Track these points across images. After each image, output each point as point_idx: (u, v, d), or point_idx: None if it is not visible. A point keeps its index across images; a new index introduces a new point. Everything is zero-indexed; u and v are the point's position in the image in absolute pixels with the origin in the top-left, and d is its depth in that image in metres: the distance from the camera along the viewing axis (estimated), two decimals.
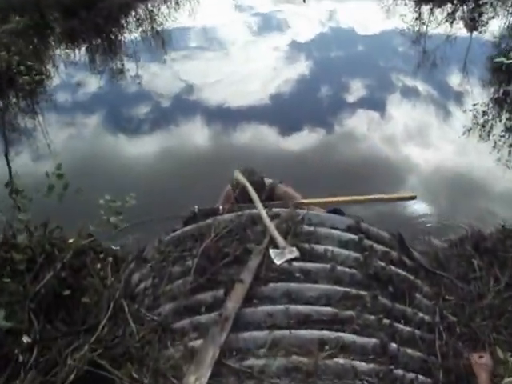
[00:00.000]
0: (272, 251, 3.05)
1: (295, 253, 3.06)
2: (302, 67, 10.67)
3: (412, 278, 3.25)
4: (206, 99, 9.35)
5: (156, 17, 13.91)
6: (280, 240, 3.09)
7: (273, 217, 3.32)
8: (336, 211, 3.56)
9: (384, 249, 3.30)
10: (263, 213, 3.21)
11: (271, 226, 3.14)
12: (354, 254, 3.17)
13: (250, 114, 8.64)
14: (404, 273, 3.24)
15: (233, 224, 3.28)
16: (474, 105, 8.80)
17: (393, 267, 3.21)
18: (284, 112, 8.89)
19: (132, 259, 3.56)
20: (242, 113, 8.76)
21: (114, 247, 3.75)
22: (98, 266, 3.57)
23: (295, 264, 3.03)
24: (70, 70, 11.11)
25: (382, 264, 3.18)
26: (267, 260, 3.04)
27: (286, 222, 3.26)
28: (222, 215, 3.41)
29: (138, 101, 9.48)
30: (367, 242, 3.27)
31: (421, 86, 9.74)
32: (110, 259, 3.58)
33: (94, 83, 10.47)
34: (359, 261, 3.15)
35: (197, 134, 8.27)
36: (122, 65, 11.09)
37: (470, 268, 3.50)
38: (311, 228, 3.25)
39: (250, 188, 3.45)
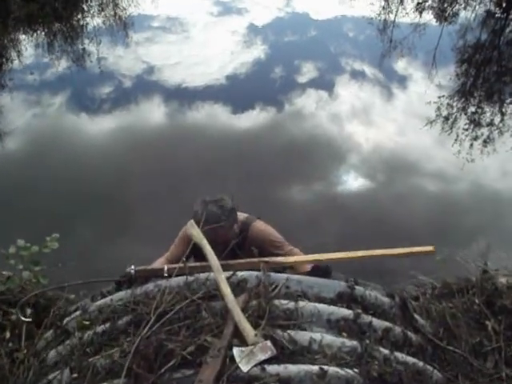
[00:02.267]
0: (237, 350, 1.66)
1: (270, 350, 1.68)
2: (258, 50, 9.37)
3: (421, 364, 1.88)
4: (166, 80, 8.15)
5: (118, 1, 11.69)
6: (248, 329, 1.68)
7: (239, 284, 1.88)
8: (320, 269, 2.10)
9: (385, 325, 1.92)
10: (224, 287, 1.76)
11: (235, 307, 1.71)
12: (348, 343, 1.79)
13: (206, 94, 7.68)
14: (412, 359, 1.88)
15: (180, 297, 1.83)
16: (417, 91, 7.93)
17: (398, 354, 1.83)
18: (239, 92, 8.05)
19: (51, 324, 2.08)
20: (200, 93, 7.76)
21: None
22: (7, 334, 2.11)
23: (270, 368, 1.66)
24: (31, 53, 9.27)
25: (386, 352, 1.82)
26: (230, 364, 1.62)
27: (256, 295, 1.83)
28: (168, 280, 1.94)
29: (100, 81, 8.19)
30: (365, 319, 1.89)
31: (369, 71, 8.65)
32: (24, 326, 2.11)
33: (56, 66, 8.80)
34: (357, 352, 1.78)
35: (156, 113, 7.34)
36: (85, 48, 9.28)
37: (484, 334, 2.15)
38: (291, 304, 1.83)
39: (208, 249, 1.95)
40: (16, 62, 8.70)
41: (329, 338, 1.80)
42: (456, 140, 6.34)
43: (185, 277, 1.96)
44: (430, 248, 2.17)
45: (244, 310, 1.80)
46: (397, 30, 10.02)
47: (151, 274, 2.04)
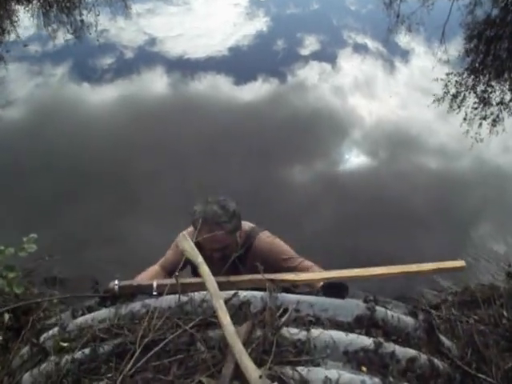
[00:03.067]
0: None
1: None
2: (261, 22, 8.79)
3: None
4: (168, 51, 7.63)
5: None
6: (251, 369, 1.30)
7: (241, 307, 1.50)
8: (335, 285, 1.70)
9: (410, 353, 1.55)
10: (223, 316, 1.37)
11: (236, 342, 1.33)
12: (369, 381, 1.44)
13: (209, 66, 7.21)
14: None
15: (172, 324, 1.45)
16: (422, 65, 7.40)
17: None
18: (241, 64, 7.55)
19: (26, 340, 1.72)
20: (202, 64, 7.29)
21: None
22: None
23: None
24: (30, 24, 8.67)
25: None
26: None
27: (261, 323, 1.44)
28: (156, 298, 1.56)
29: (101, 52, 7.67)
30: (387, 349, 1.52)
31: (375, 45, 8.10)
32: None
33: (56, 37, 8.26)
34: None
35: (158, 84, 6.88)
36: (84, 19, 8.71)
37: None
38: (302, 334, 1.45)
39: (204, 269, 1.55)
40: (15, 33, 8.17)
41: (347, 376, 1.43)
42: (461, 117, 5.90)
43: (177, 296, 1.57)
44: (460, 263, 1.78)
45: (247, 343, 1.42)
46: (404, 5, 9.39)
47: (138, 290, 1.65)
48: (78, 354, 1.53)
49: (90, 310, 1.69)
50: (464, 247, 4.60)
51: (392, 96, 6.49)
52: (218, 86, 6.83)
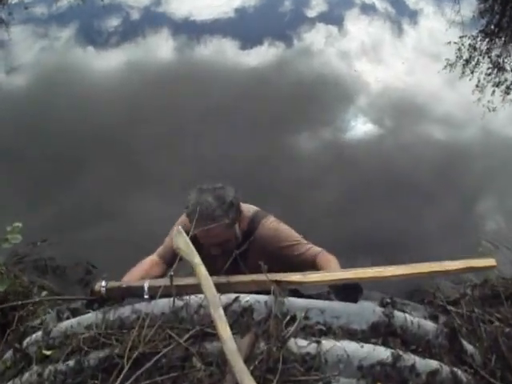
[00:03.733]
0: None
1: None
2: None
3: None
4: (173, 13, 7.14)
5: None
6: None
7: (242, 314, 1.27)
8: (348, 287, 1.45)
9: (431, 365, 1.34)
10: (223, 329, 1.14)
11: (237, 359, 1.10)
12: None
13: (214, 28, 6.72)
14: None
15: (165, 336, 1.23)
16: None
17: None
18: (247, 27, 7.07)
19: (10, 342, 1.53)
20: (208, 26, 6.80)
21: None
22: None
23: None
24: None
25: None
26: None
27: (265, 334, 1.21)
28: (148, 302, 1.32)
29: (106, 14, 7.19)
30: (405, 361, 1.31)
31: (383, 6, 7.53)
32: None
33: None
34: None
35: (163, 47, 6.42)
36: None
37: None
38: (312, 347, 1.24)
39: (201, 272, 1.28)
40: None
41: None
42: (473, 84, 5.50)
43: (171, 300, 1.33)
44: (490, 262, 1.52)
45: (249, 360, 1.20)
46: None
47: (127, 293, 1.41)
48: (62, 366, 1.33)
49: (76, 312, 1.47)
50: (471, 220, 4.38)
51: (404, 62, 6.09)
52: (223, 51, 6.41)
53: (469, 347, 1.54)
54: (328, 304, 1.37)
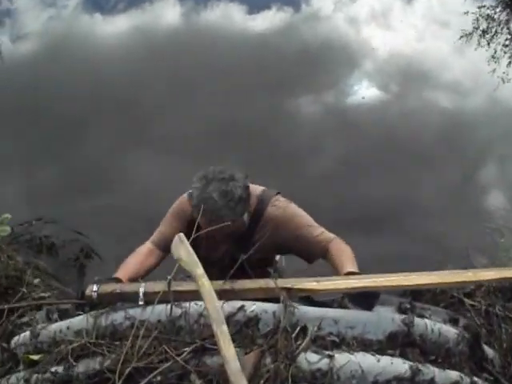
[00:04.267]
0: None
1: None
2: None
3: None
4: None
5: None
6: None
7: (247, 324, 1.11)
8: (364, 295, 1.27)
9: (451, 378, 1.21)
10: (225, 346, 0.98)
11: (240, 380, 0.92)
12: None
13: None
14: None
15: (161, 350, 1.06)
16: None
17: None
18: None
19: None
20: None
21: None
22: None
23: None
24: None
25: None
26: None
27: (272, 349, 1.04)
28: (143, 308, 1.16)
29: None
30: (425, 375, 1.17)
31: None
32: None
33: None
34: None
35: (169, 13, 6.02)
36: None
37: None
38: (324, 362, 1.08)
39: (204, 285, 1.10)
40: None
41: None
42: (488, 55, 5.19)
43: (169, 308, 1.16)
44: None
45: (254, 379, 1.03)
46: None
47: (121, 299, 1.24)
48: (49, 374, 1.16)
49: (67, 314, 1.30)
50: (474, 188, 4.22)
51: (415, 29, 5.78)
52: (230, 16, 6.04)
53: (489, 352, 1.39)
54: (342, 313, 1.20)
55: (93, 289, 1.24)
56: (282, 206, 1.58)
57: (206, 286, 1.07)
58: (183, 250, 1.15)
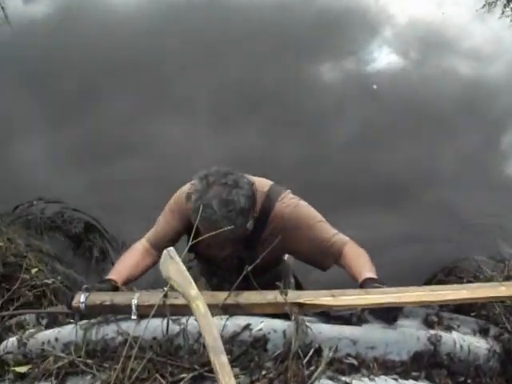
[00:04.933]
0: None
1: None
2: None
3: None
4: None
5: None
6: None
7: (254, 345, 0.96)
8: (385, 311, 1.11)
9: None
10: (224, 380, 0.81)
11: None
12: None
13: None
14: None
15: (155, 373, 0.92)
16: None
17: None
18: None
19: None
20: None
21: None
22: None
23: None
24: None
25: None
26: None
27: (282, 377, 0.89)
28: (136, 322, 1.02)
29: None
30: None
31: None
32: None
33: None
34: None
35: None
36: None
37: None
38: None
39: (198, 308, 0.92)
40: None
41: None
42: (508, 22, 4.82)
43: (165, 322, 1.01)
44: None
45: None
46: None
47: (111, 311, 1.09)
48: None
49: (56, 321, 1.16)
50: (495, 156, 4.07)
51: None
52: None
53: None
54: (362, 331, 1.04)
55: (80, 299, 1.09)
56: (292, 204, 1.40)
57: (202, 309, 0.90)
58: (173, 267, 0.97)
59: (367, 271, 1.23)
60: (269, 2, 5.25)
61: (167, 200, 1.46)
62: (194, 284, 0.94)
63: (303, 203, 1.43)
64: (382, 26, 5.17)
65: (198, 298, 0.91)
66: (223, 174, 1.24)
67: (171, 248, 1.03)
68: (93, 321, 1.09)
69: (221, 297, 1.04)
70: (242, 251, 1.33)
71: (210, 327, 0.88)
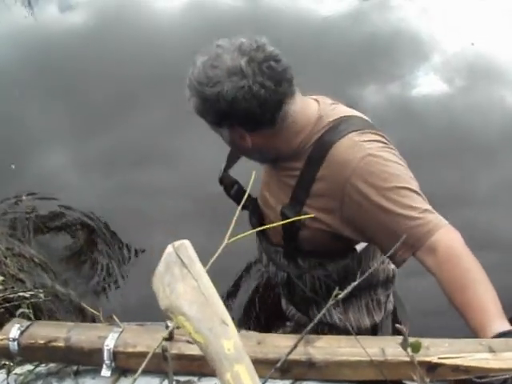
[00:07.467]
0: None
1: None
2: None
3: None
4: None
5: None
6: None
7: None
8: None
9: None
10: None
11: None
12: None
13: None
14: None
15: None
16: None
17: None
18: None
19: None
20: None
21: None
22: None
23: None
24: None
25: None
26: None
27: None
28: (111, 381, 0.53)
29: None
30: None
31: None
32: None
33: None
34: None
35: None
36: None
37: None
38: None
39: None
40: None
41: None
42: None
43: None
44: None
45: None
46: None
47: (69, 358, 0.73)
48: None
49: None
50: None
51: (489, 24, 5.29)
52: None
53: None
54: None
55: (10, 335, 0.57)
56: (364, 147, 0.91)
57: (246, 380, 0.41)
58: (187, 285, 0.50)
59: (495, 314, 0.71)
60: (315, 23, 5.32)
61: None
62: (231, 323, 0.45)
63: (388, 154, 0.92)
64: (431, 51, 5.17)
65: (240, 360, 0.42)
66: (231, 45, 1.02)
67: (185, 241, 0.54)
68: (32, 374, 0.62)
69: (274, 342, 0.53)
70: (287, 206, 0.91)
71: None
